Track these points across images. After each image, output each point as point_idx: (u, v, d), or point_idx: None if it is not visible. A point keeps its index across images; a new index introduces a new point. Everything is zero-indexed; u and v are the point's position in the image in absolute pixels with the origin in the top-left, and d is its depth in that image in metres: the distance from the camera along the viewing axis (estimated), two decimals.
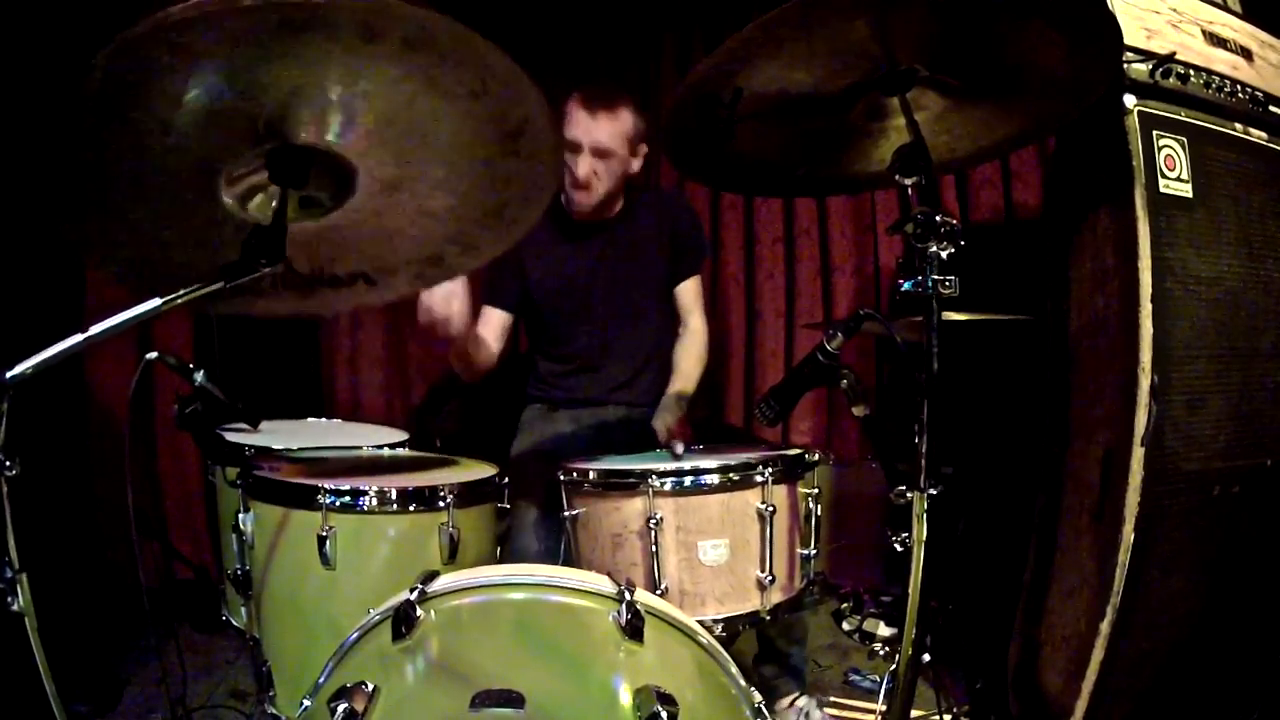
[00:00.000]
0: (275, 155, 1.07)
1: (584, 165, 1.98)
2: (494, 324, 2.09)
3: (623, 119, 2.00)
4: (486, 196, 1.18)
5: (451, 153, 1.11)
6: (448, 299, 1.64)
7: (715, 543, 1.44)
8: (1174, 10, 1.59)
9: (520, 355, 2.43)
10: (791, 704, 1.82)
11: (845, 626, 2.28)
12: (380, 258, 1.28)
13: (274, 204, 1.11)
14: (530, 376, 2.25)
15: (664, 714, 0.86)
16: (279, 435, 1.90)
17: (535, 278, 2.12)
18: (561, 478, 1.55)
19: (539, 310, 2.18)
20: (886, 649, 1.83)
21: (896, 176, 1.19)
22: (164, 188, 1.07)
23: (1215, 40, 1.63)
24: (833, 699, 2.11)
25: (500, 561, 1.62)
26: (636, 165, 2.10)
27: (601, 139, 1.97)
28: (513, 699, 0.86)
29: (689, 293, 2.22)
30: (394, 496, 1.43)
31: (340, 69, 0.96)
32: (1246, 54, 1.67)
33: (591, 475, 1.50)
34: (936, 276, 1.10)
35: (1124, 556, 1.48)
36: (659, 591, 1.41)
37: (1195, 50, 1.59)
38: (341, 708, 0.86)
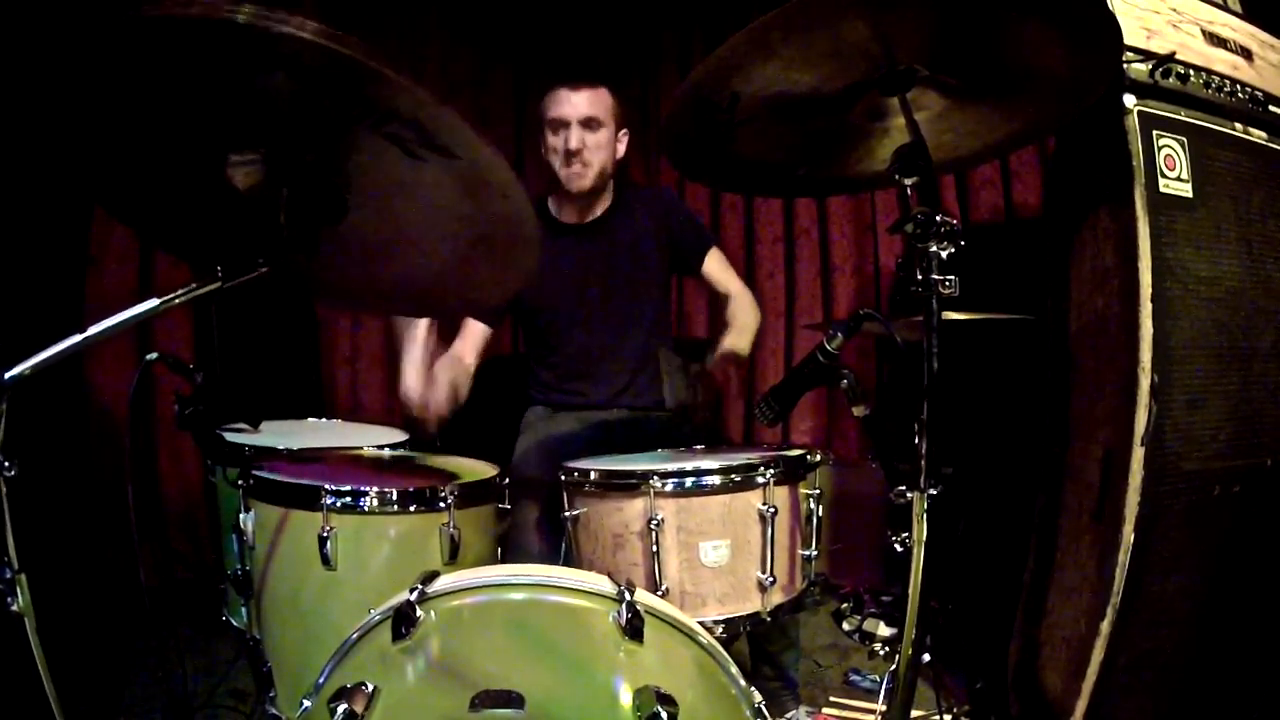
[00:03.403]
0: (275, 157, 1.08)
1: (575, 136, 2.00)
2: (474, 338, 2.08)
3: (603, 94, 2.03)
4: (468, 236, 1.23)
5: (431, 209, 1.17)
6: (425, 386, 1.77)
7: (716, 543, 1.43)
8: (1174, 10, 1.59)
9: (519, 356, 2.43)
10: (783, 716, 1.83)
11: (845, 626, 2.27)
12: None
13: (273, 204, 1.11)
14: (530, 379, 2.25)
15: (664, 714, 0.86)
16: (279, 435, 1.89)
17: (529, 285, 2.11)
18: (562, 478, 1.55)
19: (532, 317, 2.17)
20: (886, 649, 1.82)
21: (896, 176, 1.19)
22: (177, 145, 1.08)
23: (1215, 40, 1.63)
24: (833, 699, 2.11)
25: (501, 562, 1.62)
26: (621, 149, 2.12)
27: (587, 110, 2.00)
28: (513, 699, 0.86)
29: (714, 268, 2.19)
30: (395, 497, 1.43)
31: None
32: (1246, 54, 1.67)
33: (593, 475, 1.50)
34: (936, 276, 1.10)
35: (1124, 556, 1.48)
36: (660, 592, 1.41)
37: (1195, 50, 1.59)
38: (341, 708, 0.86)
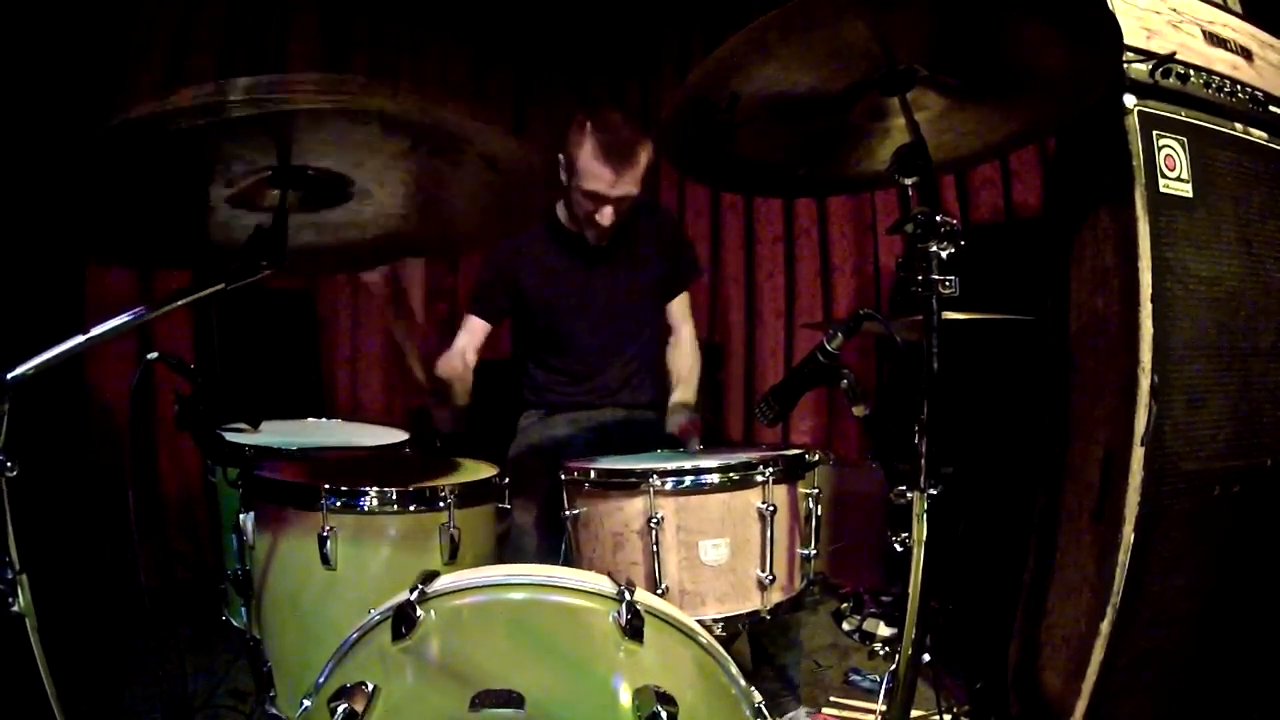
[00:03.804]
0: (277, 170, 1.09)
1: (608, 216, 1.97)
2: (476, 333, 2.10)
3: (642, 162, 1.94)
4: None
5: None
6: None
7: (716, 542, 1.44)
8: (1174, 10, 1.59)
9: (519, 357, 2.43)
10: (783, 716, 1.83)
11: (845, 626, 2.28)
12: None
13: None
14: (525, 382, 2.25)
15: (664, 714, 0.86)
16: (279, 435, 1.89)
17: (532, 285, 2.12)
18: (562, 477, 1.55)
19: (534, 318, 2.17)
20: (886, 649, 1.82)
21: (896, 176, 1.19)
22: (163, 181, 1.08)
23: (1215, 40, 1.63)
24: (833, 699, 2.11)
25: (500, 562, 1.62)
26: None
27: (624, 191, 1.94)
28: (512, 699, 0.86)
29: (681, 307, 2.26)
30: (394, 497, 1.43)
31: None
32: (1246, 54, 1.67)
33: (592, 475, 1.50)
34: (936, 276, 1.10)
35: (1124, 556, 1.48)
36: (659, 591, 1.41)
37: (1195, 50, 1.59)
38: (341, 708, 0.86)
